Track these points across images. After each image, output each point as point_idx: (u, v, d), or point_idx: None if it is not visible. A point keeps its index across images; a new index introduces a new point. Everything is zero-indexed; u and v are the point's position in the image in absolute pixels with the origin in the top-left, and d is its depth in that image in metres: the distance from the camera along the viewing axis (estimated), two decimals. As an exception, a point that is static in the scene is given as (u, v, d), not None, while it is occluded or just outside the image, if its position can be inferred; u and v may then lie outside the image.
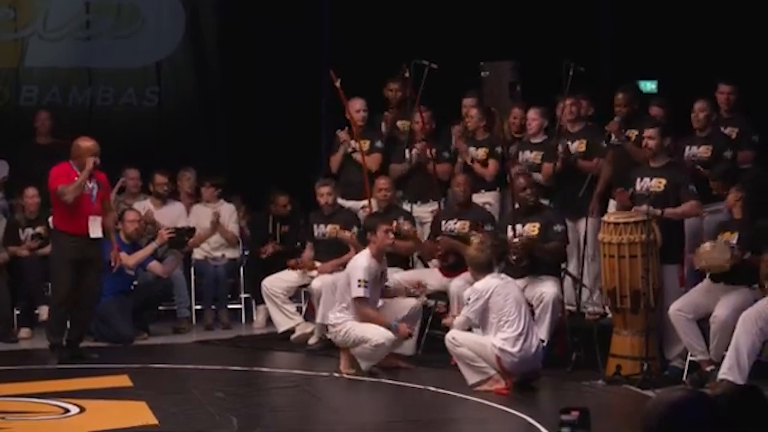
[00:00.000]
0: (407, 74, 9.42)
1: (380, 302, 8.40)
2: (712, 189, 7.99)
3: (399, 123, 10.03)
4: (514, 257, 8.18)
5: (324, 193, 9.54)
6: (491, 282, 7.55)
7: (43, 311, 9.80)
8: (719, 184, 7.95)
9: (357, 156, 9.74)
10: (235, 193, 11.06)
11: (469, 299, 7.60)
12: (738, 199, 7.59)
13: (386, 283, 8.44)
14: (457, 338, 7.59)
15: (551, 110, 9.42)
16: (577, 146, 9.07)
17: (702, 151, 8.47)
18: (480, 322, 7.59)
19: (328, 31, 12.36)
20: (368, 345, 8.01)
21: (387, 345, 8.05)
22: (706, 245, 7.43)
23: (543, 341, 7.83)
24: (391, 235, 8.26)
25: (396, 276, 8.77)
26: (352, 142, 9.88)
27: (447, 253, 8.80)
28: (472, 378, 7.53)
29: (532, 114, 9.39)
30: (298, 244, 9.99)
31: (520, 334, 7.42)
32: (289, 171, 11.26)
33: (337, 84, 9.33)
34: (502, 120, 9.68)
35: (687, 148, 8.53)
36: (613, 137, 8.65)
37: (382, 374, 8.11)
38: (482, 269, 7.64)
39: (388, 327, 8.08)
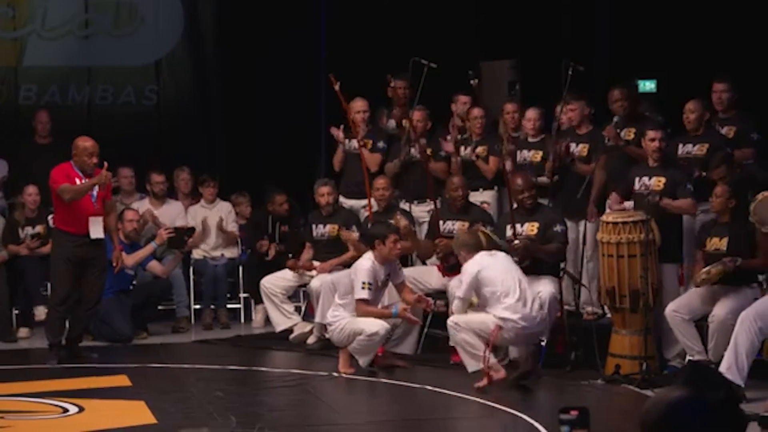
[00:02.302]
0: (392, 84, 9.44)
1: (385, 302, 8.42)
2: (714, 179, 7.87)
3: (403, 122, 10.04)
4: (515, 259, 8.18)
5: (324, 192, 9.54)
6: (478, 260, 7.64)
7: (39, 311, 9.80)
8: (722, 169, 7.85)
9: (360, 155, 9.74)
10: (242, 193, 11.04)
11: (461, 281, 7.67)
12: (732, 206, 7.54)
13: (401, 280, 8.41)
14: (459, 322, 7.61)
15: (550, 110, 9.42)
16: (581, 150, 9.07)
17: (697, 149, 8.46)
18: (481, 301, 7.64)
19: (325, 30, 12.36)
20: (363, 336, 8.02)
21: (382, 334, 8.05)
22: (702, 273, 7.41)
23: (542, 340, 7.87)
24: (399, 246, 8.25)
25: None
26: (347, 141, 9.90)
27: (447, 255, 8.80)
28: (471, 366, 7.55)
29: (530, 114, 9.39)
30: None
31: (518, 300, 7.49)
32: (288, 170, 11.26)
33: (336, 87, 9.32)
34: (499, 119, 9.71)
35: (680, 146, 8.53)
36: (610, 141, 8.65)
37: (380, 374, 8.12)
38: (471, 250, 7.69)
39: (391, 317, 8.14)
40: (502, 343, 7.70)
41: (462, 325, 7.57)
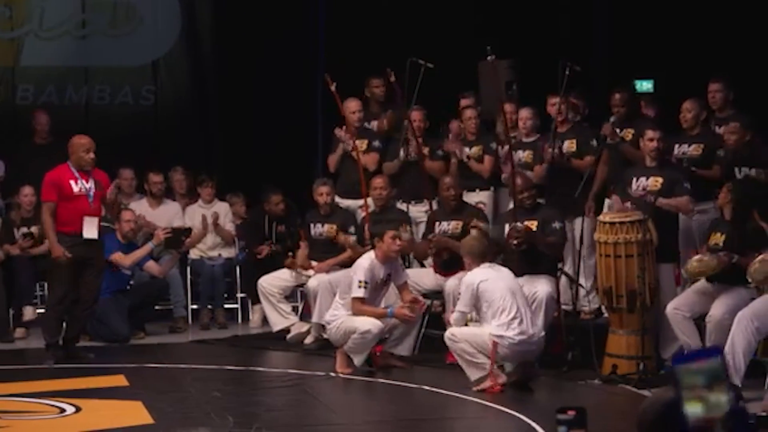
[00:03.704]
0: (393, 78, 9.43)
1: (383, 304, 8.41)
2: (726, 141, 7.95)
3: (386, 122, 10.06)
4: (514, 242, 8.16)
5: (323, 192, 9.54)
6: (479, 273, 7.58)
7: (27, 312, 9.82)
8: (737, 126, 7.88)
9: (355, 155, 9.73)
10: (236, 193, 11.04)
11: (459, 283, 7.64)
12: (728, 200, 7.56)
13: (403, 281, 8.39)
14: (455, 334, 7.59)
15: (547, 110, 9.42)
16: (568, 146, 9.09)
17: (693, 149, 8.47)
18: (478, 314, 7.61)
19: (323, 29, 12.35)
20: (356, 334, 8.02)
21: (375, 332, 8.04)
22: (693, 260, 7.42)
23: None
24: (398, 242, 8.25)
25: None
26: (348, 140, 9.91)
27: (440, 251, 8.80)
28: (473, 374, 7.51)
29: (525, 113, 9.40)
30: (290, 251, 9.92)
31: (514, 318, 7.43)
32: (285, 170, 11.26)
33: (333, 88, 9.32)
34: (496, 120, 9.71)
35: (676, 146, 8.53)
36: (608, 140, 8.67)
37: (378, 374, 8.12)
38: (476, 258, 7.66)
39: (386, 317, 8.13)
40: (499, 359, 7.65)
41: (459, 336, 7.56)
